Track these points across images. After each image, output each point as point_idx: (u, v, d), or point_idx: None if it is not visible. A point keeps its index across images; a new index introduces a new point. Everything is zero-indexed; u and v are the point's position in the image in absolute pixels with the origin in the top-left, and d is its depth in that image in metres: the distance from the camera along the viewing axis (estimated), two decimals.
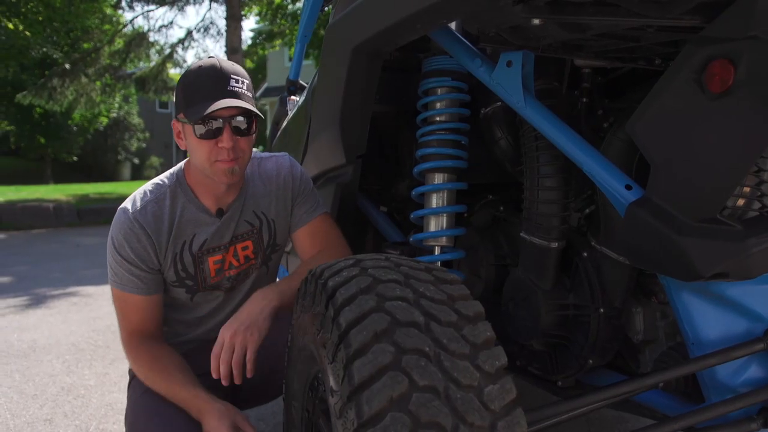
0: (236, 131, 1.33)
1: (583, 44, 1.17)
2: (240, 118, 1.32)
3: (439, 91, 1.40)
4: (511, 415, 0.74)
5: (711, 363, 1.03)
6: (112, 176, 24.24)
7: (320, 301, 0.90)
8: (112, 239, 1.40)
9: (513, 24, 1.03)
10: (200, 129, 1.30)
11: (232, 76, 1.32)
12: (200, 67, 1.34)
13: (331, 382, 0.82)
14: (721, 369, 1.06)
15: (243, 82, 1.35)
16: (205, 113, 1.26)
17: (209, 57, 1.37)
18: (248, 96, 1.36)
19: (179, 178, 1.46)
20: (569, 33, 1.03)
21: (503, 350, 0.80)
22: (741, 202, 1.00)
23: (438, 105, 1.41)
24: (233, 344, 1.25)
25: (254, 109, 1.34)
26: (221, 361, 1.25)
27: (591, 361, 1.26)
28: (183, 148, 1.40)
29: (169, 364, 1.38)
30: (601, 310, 1.22)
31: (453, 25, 1.32)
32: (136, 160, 27.19)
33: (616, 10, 0.92)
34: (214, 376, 1.26)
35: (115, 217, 1.41)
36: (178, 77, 1.50)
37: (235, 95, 1.31)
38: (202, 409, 1.28)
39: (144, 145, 27.01)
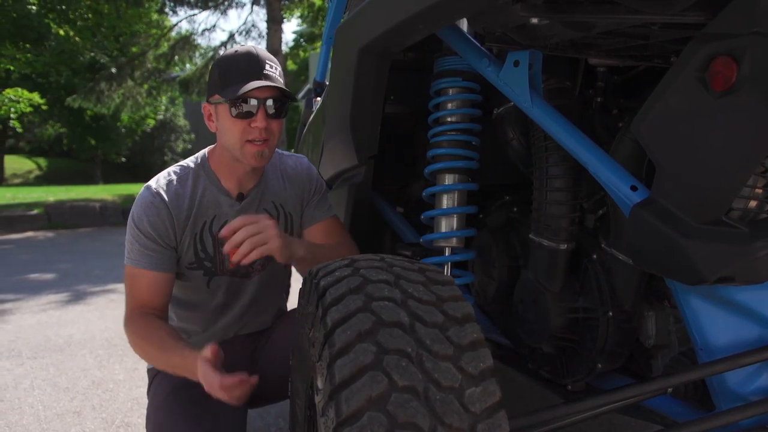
0: (269, 112, 1.38)
1: (592, 43, 1.15)
2: (272, 101, 1.38)
3: (450, 91, 1.39)
4: (493, 417, 0.73)
5: (720, 369, 0.99)
6: None
7: (312, 301, 0.91)
8: (132, 215, 1.44)
9: (516, 23, 1.02)
10: (235, 109, 1.35)
11: (267, 61, 1.39)
12: (236, 52, 1.40)
13: (318, 381, 0.82)
14: (732, 376, 1.02)
15: (276, 69, 1.41)
16: (243, 92, 1.32)
17: (242, 45, 1.41)
18: (281, 81, 1.41)
19: (203, 162, 1.52)
20: (574, 31, 1.01)
21: (489, 352, 0.79)
22: (753, 204, 0.97)
23: (449, 105, 1.40)
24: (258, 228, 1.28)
25: (287, 90, 1.40)
26: (243, 236, 1.26)
27: (600, 366, 1.23)
28: (213, 131, 1.44)
29: (165, 336, 1.37)
30: (610, 313, 1.20)
31: (464, 26, 1.31)
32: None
33: (616, 7, 0.90)
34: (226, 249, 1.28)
35: (138, 194, 1.46)
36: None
37: (270, 79, 1.38)
38: (196, 365, 1.26)
39: (190, 146, 27.57)
